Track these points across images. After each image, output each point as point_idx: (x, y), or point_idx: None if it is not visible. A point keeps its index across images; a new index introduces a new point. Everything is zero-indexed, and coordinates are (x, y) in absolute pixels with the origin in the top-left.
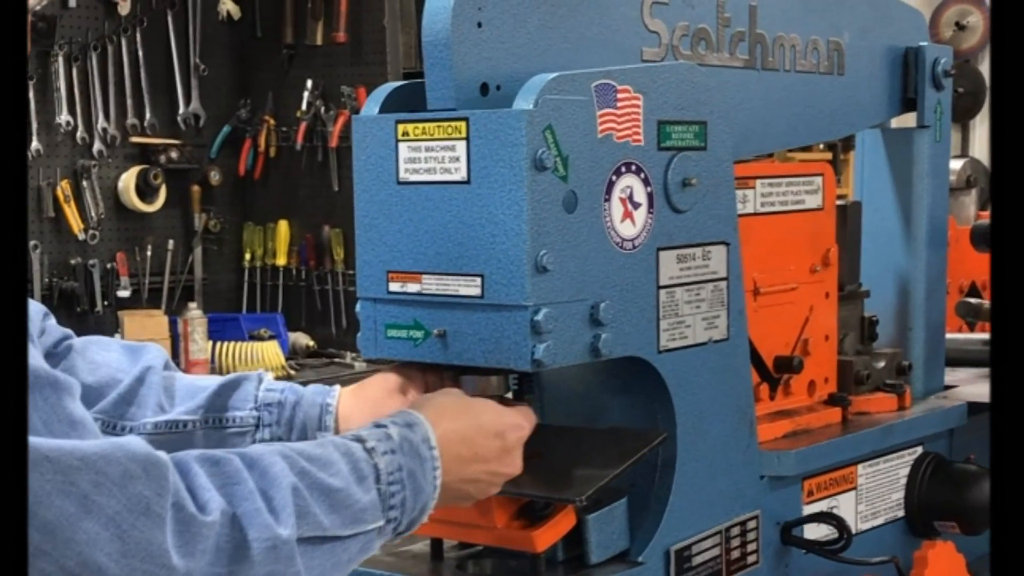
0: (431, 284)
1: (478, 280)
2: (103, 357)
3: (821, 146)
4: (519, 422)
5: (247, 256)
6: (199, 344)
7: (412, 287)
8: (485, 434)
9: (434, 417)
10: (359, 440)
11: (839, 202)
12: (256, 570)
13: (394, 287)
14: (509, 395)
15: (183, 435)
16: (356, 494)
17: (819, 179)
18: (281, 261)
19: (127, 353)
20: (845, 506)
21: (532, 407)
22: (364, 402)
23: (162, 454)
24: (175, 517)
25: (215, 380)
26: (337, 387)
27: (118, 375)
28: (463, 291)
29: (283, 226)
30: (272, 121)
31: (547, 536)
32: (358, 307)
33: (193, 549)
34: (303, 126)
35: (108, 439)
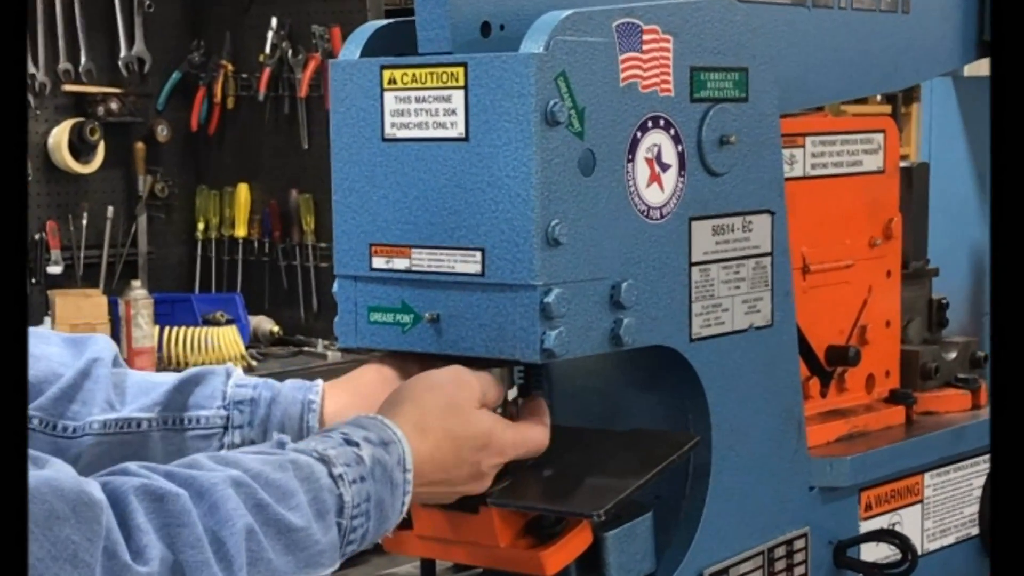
0: (422, 259)
1: (478, 255)
2: (41, 350)
3: (879, 98)
4: (504, 447)
5: (200, 226)
6: (144, 329)
7: (399, 263)
8: (463, 461)
9: (414, 434)
10: (325, 462)
11: (903, 164)
12: None
13: (378, 263)
14: (513, 391)
15: (137, 436)
16: (315, 534)
17: (880, 136)
18: (240, 232)
19: (69, 346)
20: (909, 522)
21: (547, 419)
22: (356, 398)
23: (96, 490)
24: (105, 566)
25: (174, 376)
26: (319, 381)
27: (59, 369)
28: (460, 268)
29: (243, 191)
30: (230, 67)
31: (558, 557)
32: (335, 286)
33: None
34: (266, 73)
35: (33, 473)
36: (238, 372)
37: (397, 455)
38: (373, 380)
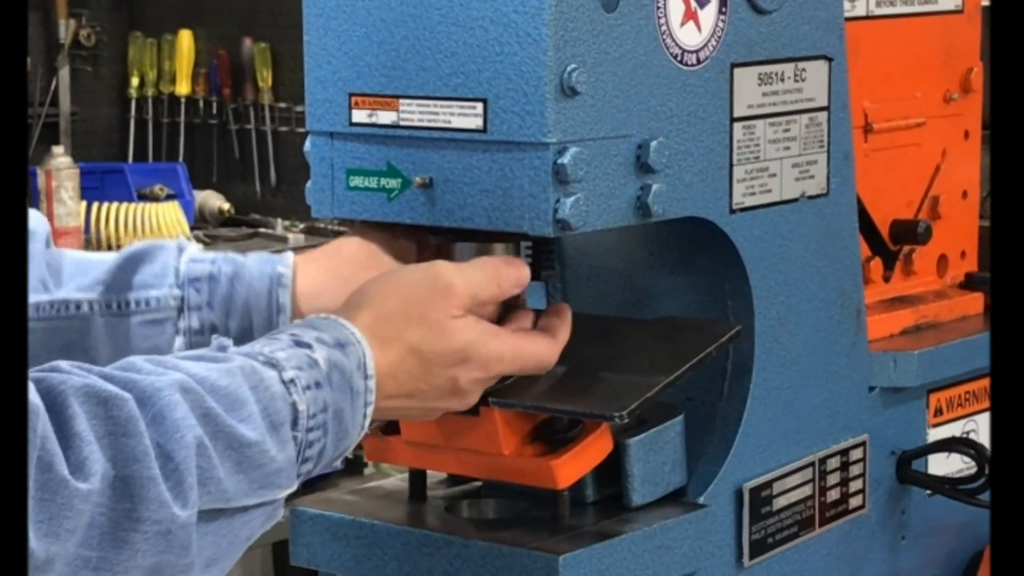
0: (412, 112)
1: (479, 107)
2: None
3: None
4: (488, 361)
5: (134, 82)
6: (68, 205)
7: (385, 116)
8: (433, 378)
9: (374, 337)
10: (274, 365)
11: (986, 2)
12: (137, 560)
13: (359, 116)
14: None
15: (75, 322)
16: (271, 450)
17: None
18: (183, 89)
19: None
20: (987, 430)
21: (563, 333)
22: (334, 273)
23: (31, 391)
24: (39, 481)
25: (113, 253)
26: (290, 253)
27: None
28: (457, 123)
29: (185, 39)
30: None
31: (572, 467)
32: (307, 145)
33: (58, 528)
34: None
35: None
36: (193, 246)
37: (356, 358)
38: (354, 253)
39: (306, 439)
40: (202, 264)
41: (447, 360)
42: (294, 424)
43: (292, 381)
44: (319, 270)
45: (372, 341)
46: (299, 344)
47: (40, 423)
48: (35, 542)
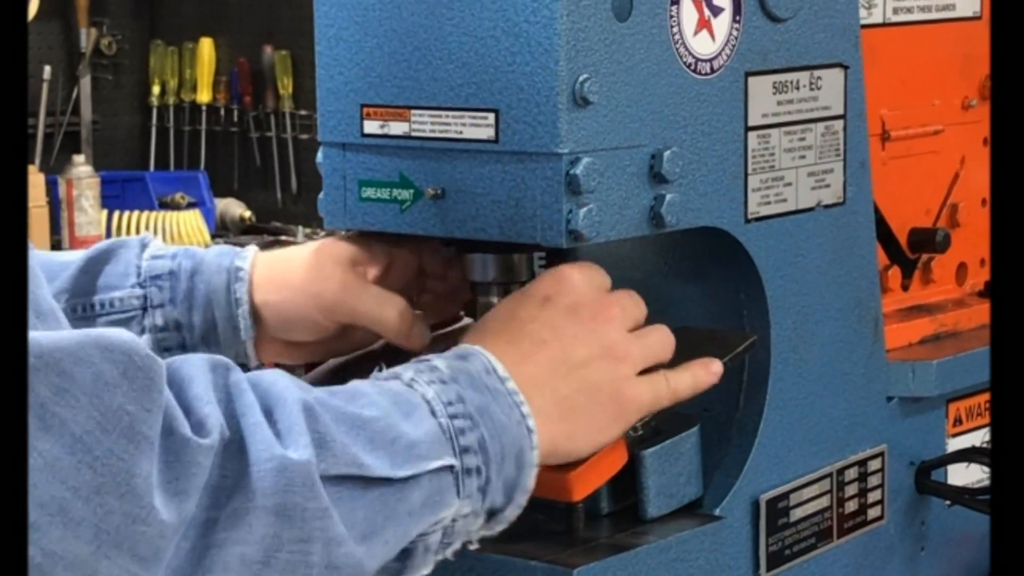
0: (424, 123)
1: (491, 117)
2: None
3: None
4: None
5: (156, 90)
6: (89, 214)
7: (397, 127)
8: (538, 319)
9: (500, 351)
10: (393, 377)
11: None
12: (258, 501)
13: (371, 127)
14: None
15: None
16: (400, 426)
17: None
18: (203, 97)
19: None
20: None
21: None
22: (295, 266)
23: (153, 355)
24: (163, 446)
25: (82, 253)
26: (252, 247)
27: None
28: (469, 133)
29: (206, 47)
30: None
31: (587, 479)
32: (320, 156)
33: (187, 485)
34: None
35: (79, 330)
36: (156, 242)
37: (481, 363)
38: (320, 250)
39: (452, 425)
40: (163, 260)
41: (532, 296)
42: (431, 412)
43: (412, 380)
44: (278, 265)
45: (500, 353)
46: (415, 361)
47: (164, 384)
48: (162, 502)
